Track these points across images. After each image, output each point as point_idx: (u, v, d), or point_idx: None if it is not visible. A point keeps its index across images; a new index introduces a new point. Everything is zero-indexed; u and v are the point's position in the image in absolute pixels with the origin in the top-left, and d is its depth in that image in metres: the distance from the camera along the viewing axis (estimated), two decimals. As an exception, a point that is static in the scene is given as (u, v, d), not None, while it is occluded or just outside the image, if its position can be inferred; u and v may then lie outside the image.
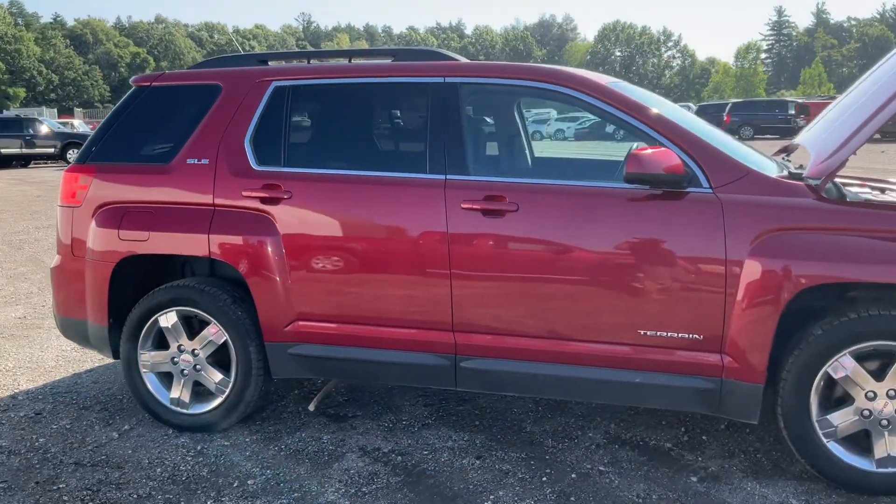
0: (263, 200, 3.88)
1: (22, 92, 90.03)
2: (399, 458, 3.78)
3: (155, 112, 4.21)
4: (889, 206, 3.34)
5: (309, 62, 4.25)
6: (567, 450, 3.83)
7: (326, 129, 4.06)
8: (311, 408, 4.28)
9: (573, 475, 3.57)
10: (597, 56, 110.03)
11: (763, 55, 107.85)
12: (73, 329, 4.32)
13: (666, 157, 3.34)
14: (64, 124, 33.94)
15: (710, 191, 3.41)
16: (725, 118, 33.82)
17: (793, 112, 34.05)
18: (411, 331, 3.77)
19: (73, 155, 27.75)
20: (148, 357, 4.13)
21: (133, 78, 4.36)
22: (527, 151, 4.21)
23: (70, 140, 28.11)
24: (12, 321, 6.36)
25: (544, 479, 3.54)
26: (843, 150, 3.37)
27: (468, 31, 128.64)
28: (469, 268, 3.63)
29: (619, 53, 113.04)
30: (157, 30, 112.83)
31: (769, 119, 34.57)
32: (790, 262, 3.26)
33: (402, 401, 4.47)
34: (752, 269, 3.30)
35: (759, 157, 3.92)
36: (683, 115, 3.92)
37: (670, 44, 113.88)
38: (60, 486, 3.55)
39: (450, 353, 3.73)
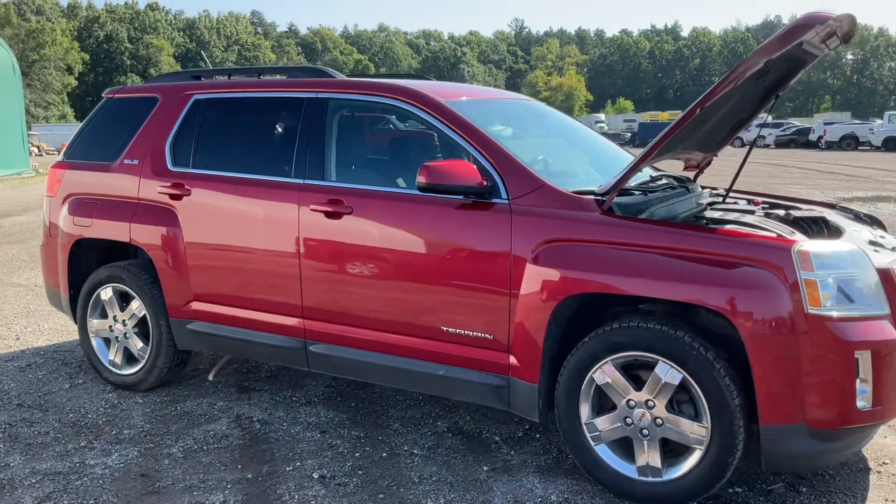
0: (171, 196, 4.55)
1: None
2: (258, 426, 4.31)
3: (114, 119, 5.02)
4: (675, 224, 3.41)
5: (230, 78, 4.87)
6: (402, 434, 4.17)
7: (226, 135, 4.65)
8: (210, 377, 4.93)
9: (384, 454, 3.93)
10: (825, 59, 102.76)
11: None
12: (52, 297, 5.24)
13: (459, 168, 3.61)
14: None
15: (506, 201, 3.64)
16: None
17: None
18: (273, 315, 4.29)
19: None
20: (94, 324, 4.94)
21: (105, 91, 5.20)
22: (377, 160, 4.55)
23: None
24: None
25: (357, 454, 3.93)
26: (626, 169, 3.49)
27: (684, 32, 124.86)
28: (314, 263, 4.09)
29: (850, 56, 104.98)
30: (380, 38, 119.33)
31: None
32: (560, 270, 3.45)
33: (310, 381, 4.98)
34: (529, 276, 3.52)
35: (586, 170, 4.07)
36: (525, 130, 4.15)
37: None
38: (4, 417, 4.41)
39: (301, 337, 4.20)
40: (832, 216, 4.23)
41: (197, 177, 4.51)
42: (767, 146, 46.89)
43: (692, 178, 4.74)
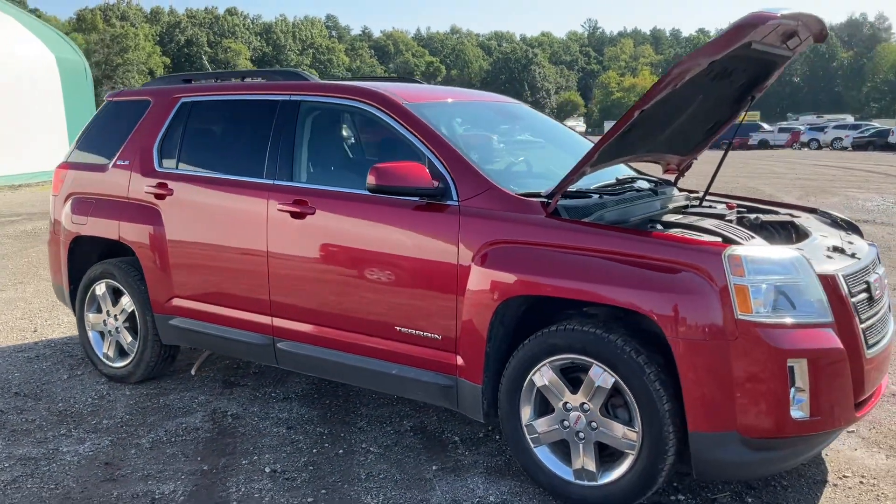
0: (156, 196, 4.71)
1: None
2: (230, 420, 4.43)
3: (111, 121, 5.22)
4: (613, 227, 3.38)
5: (217, 81, 5.01)
6: (365, 432, 4.24)
7: (208, 137, 4.79)
8: (193, 372, 5.08)
9: (340, 451, 4.00)
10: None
11: None
12: (57, 291, 5.48)
13: (409, 170, 3.65)
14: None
15: (456, 203, 3.67)
16: None
17: None
18: (245, 312, 4.41)
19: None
20: (90, 318, 5.15)
21: (106, 94, 5.41)
22: (342, 161, 4.60)
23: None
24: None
25: (314, 450, 4.01)
26: (571, 173, 3.48)
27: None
28: (280, 262, 4.19)
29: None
30: (452, 40, 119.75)
31: None
32: (500, 272, 3.46)
33: (293, 378, 5.09)
34: (473, 277, 3.54)
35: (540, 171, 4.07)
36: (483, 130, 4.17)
37: None
38: (-7, 407, 4.66)
39: (270, 334, 4.31)
40: (805, 221, 4.12)
41: (179, 177, 4.66)
42: (845, 148, 45.39)
43: (673, 180, 4.67)
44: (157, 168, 4.78)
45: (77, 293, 5.20)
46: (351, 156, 4.37)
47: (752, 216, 4.07)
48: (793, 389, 3.06)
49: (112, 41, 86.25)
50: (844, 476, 3.68)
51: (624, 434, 3.26)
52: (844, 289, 3.22)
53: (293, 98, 4.36)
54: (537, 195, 3.60)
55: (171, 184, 4.67)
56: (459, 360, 3.65)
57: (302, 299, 4.16)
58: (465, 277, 3.57)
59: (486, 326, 3.52)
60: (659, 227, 3.61)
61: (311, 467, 3.82)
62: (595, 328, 3.29)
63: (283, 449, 4.03)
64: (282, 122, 4.33)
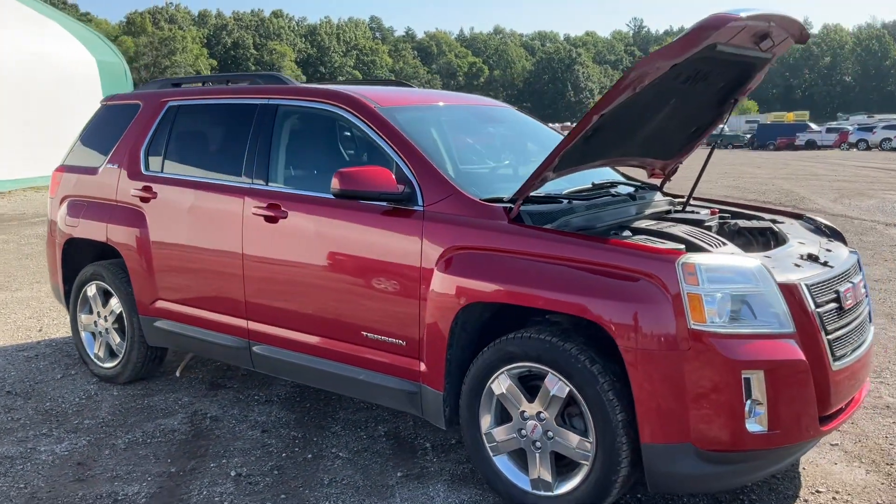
0: (141, 199, 4.76)
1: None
2: (208, 422, 4.46)
3: (104, 125, 5.29)
4: (572, 234, 3.32)
5: (204, 85, 5.04)
6: (338, 436, 4.23)
7: (192, 140, 4.82)
8: (178, 374, 5.11)
9: (310, 455, 4.00)
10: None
11: None
12: (54, 290, 5.58)
13: (373, 174, 3.62)
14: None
15: (421, 208, 3.64)
16: None
17: None
18: (223, 316, 4.43)
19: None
20: (83, 318, 5.23)
21: (101, 98, 5.48)
22: (315, 165, 4.57)
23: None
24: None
25: (284, 454, 4.01)
26: (530, 178, 3.43)
27: (815, 29, 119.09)
28: (254, 266, 4.20)
29: None
30: (495, 40, 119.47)
31: None
32: (460, 278, 3.43)
33: (279, 381, 5.10)
34: (434, 283, 3.50)
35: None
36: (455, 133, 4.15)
37: None
38: (-18, 405, 4.76)
39: (246, 338, 4.32)
40: (786, 227, 4.01)
41: (163, 180, 4.71)
42: (894, 149, 44.27)
43: (659, 185, 4.58)
44: (144, 171, 4.83)
45: (71, 294, 5.28)
46: (324, 160, 4.36)
47: (731, 222, 3.97)
48: (749, 402, 2.97)
49: (160, 44, 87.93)
50: (818, 491, 3.57)
51: (578, 444, 3.20)
52: (808, 299, 3.11)
53: (271, 102, 4.37)
54: (500, 200, 3.55)
55: (155, 186, 4.71)
56: (423, 367, 3.62)
57: (274, 303, 4.17)
58: (428, 283, 3.54)
59: (447, 333, 3.48)
60: (627, 233, 3.54)
61: (276, 472, 3.82)
62: (550, 336, 3.23)
63: (254, 452, 4.04)
64: (259, 125, 4.34)
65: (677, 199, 4.44)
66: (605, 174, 4.55)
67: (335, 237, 3.89)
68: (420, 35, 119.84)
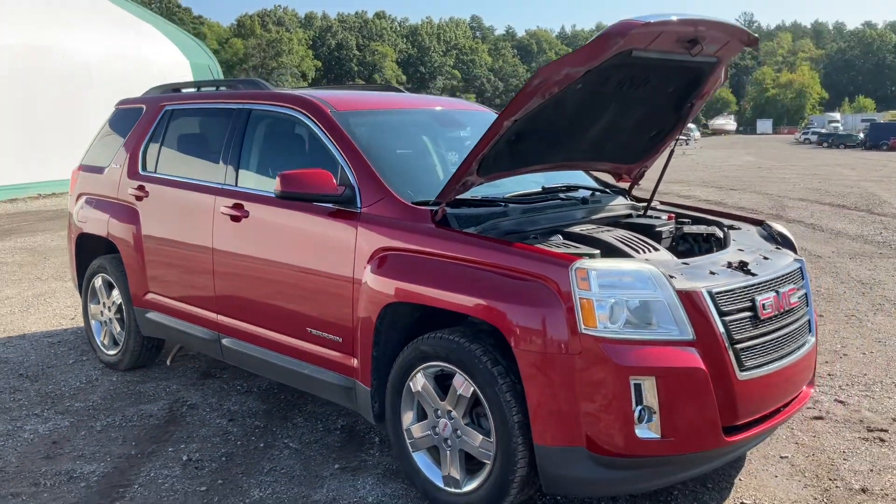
0: (136, 197, 5.07)
1: (472, 98, 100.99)
2: (185, 409, 4.71)
3: (115, 127, 5.63)
4: (481, 237, 3.37)
5: (199, 90, 5.30)
6: (298, 427, 4.40)
7: (180, 142, 5.08)
8: (168, 362, 5.39)
9: (262, 444, 4.18)
10: None
11: None
12: (73, 282, 5.97)
13: (313, 177, 3.76)
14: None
15: (358, 210, 3.77)
16: None
17: None
18: (198, 309, 4.67)
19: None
20: (92, 308, 5.59)
21: (116, 102, 5.83)
22: (276, 167, 4.69)
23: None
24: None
25: (239, 442, 4.21)
26: (448, 183, 3.51)
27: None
28: (222, 262, 4.42)
29: None
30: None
31: None
32: (382, 278, 3.54)
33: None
34: (364, 283, 3.63)
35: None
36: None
37: None
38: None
39: (216, 330, 4.55)
40: (737, 233, 3.95)
41: (155, 179, 5.00)
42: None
43: (627, 188, 4.56)
44: (140, 171, 5.13)
45: (82, 285, 5.65)
46: (284, 162, 4.52)
47: (676, 228, 3.94)
48: (640, 408, 2.97)
49: (268, 46, 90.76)
50: (742, 502, 3.50)
51: (482, 443, 3.26)
52: (710, 306, 3.08)
53: (245, 106, 4.58)
54: (426, 203, 3.64)
55: (147, 186, 5.01)
56: (355, 363, 3.75)
57: (237, 298, 4.38)
58: (357, 284, 3.66)
59: (372, 331, 3.60)
60: (557, 237, 3.57)
61: (224, 458, 4.02)
62: (459, 337, 3.30)
63: (213, 439, 4.25)
64: (233, 128, 4.56)
65: (640, 204, 4.41)
66: (573, 178, 4.56)
67: (285, 236, 4.06)
68: (520, 33, 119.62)
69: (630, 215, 4.24)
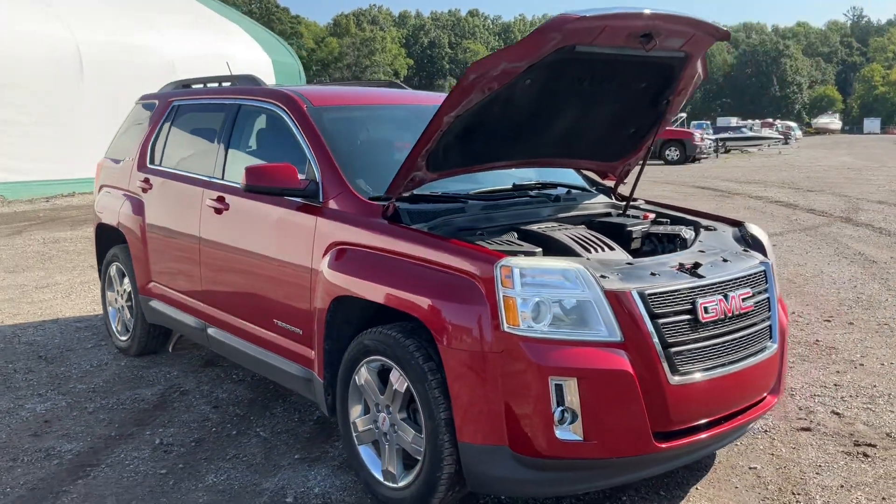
0: (142, 189, 5.26)
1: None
2: (176, 395, 4.86)
3: (133, 122, 5.85)
4: (422, 233, 3.36)
5: (205, 86, 5.45)
6: (275, 417, 4.48)
7: (182, 136, 5.23)
8: (169, 349, 5.56)
9: (234, 432, 4.28)
10: None
11: None
12: (97, 271, 6.24)
13: (278, 171, 3.83)
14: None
15: (320, 204, 3.82)
16: None
17: None
18: (189, 299, 4.82)
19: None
20: (109, 296, 5.83)
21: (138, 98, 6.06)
22: (257, 160, 4.74)
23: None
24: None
25: (214, 429, 4.32)
26: (396, 178, 3.52)
27: None
28: (207, 253, 4.55)
29: None
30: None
31: None
32: (332, 272, 3.58)
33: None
34: (320, 275, 3.67)
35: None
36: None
37: None
38: (18, 365, 5.42)
39: (203, 319, 4.69)
40: (705, 235, 3.82)
41: (157, 172, 5.18)
42: None
43: (613, 187, 4.46)
44: (148, 164, 5.32)
45: (101, 273, 5.90)
46: (264, 156, 4.60)
47: (640, 228, 3.84)
48: (561, 409, 2.92)
49: (362, 44, 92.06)
50: (692, 514, 3.39)
51: (414, 439, 3.26)
52: (640, 308, 2.99)
53: (236, 102, 4.69)
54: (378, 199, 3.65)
55: (151, 178, 5.19)
56: (313, 355, 3.80)
57: (218, 289, 4.51)
58: (315, 276, 3.71)
59: (323, 324, 3.64)
60: (512, 234, 3.54)
61: (194, 443, 4.14)
62: (396, 332, 3.30)
63: (191, 425, 4.38)
64: (224, 123, 4.68)
65: (619, 202, 4.31)
66: (563, 176, 4.51)
67: (257, 228, 4.15)
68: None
69: (609, 214, 4.16)
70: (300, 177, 3.81)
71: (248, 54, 23.87)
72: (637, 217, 4.10)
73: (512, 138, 3.73)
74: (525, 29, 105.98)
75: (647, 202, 4.42)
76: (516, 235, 3.57)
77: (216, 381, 5.09)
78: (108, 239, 5.85)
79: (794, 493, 3.53)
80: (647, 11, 3.20)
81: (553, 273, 3.00)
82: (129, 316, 5.58)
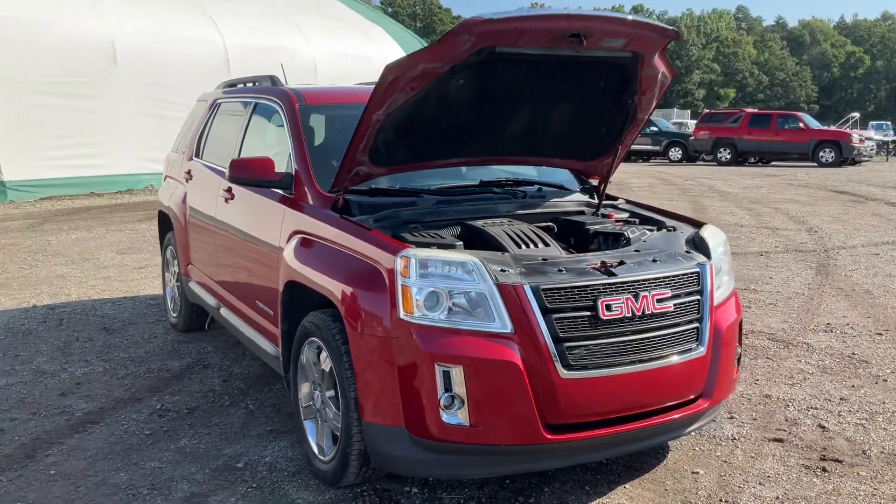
0: (186, 179, 5.76)
1: (732, 92, 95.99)
2: (199, 368, 5.29)
3: (191, 117, 6.39)
4: (351, 222, 3.57)
5: (245, 86, 5.86)
6: (273, 393, 4.79)
7: (216, 132, 5.66)
8: (206, 327, 6.01)
9: (228, 403, 4.64)
10: None
11: None
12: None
13: (256, 164, 4.15)
14: (678, 125, 36.70)
15: (292, 195, 4.12)
16: None
17: None
18: (210, 280, 5.25)
19: (675, 153, 30.23)
20: (166, 276, 6.42)
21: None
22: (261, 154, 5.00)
23: (673, 139, 30.62)
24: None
25: (213, 400, 4.70)
26: (339, 170, 3.74)
27: None
28: (219, 238, 4.97)
29: None
30: (881, 27, 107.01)
31: None
32: (288, 257, 3.87)
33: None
34: (282, 260, 3.97)
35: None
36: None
37: None
38: (81, 334, 6.08)
39: (217, 300, 5.11)
40: (654, 234, 3.82)
41: (197, 164, 5.66)
42: None
43: (597, 186, 4.49)
44: (193, 156, 5.82)
45: (162, 255, 6.50)
46: (265, 149, 4.93)
47: (589, 227, 3.87)
48: (449, 395, 3.05)
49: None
50: (602, 509, 3.42)
51: (334, 416, 3.49)
52: (531, 302, 3.07)
53: (254, 100, 5.07)
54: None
55: (192, 169, 5.68)
56: (278, 334, 4.10)
57: (226, 272, 4.90)
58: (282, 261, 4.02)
59: (279, 306, 3.94)
60: (455, 228, 3.71)
61: (187, 411, 4.53)
62: (326, 315, 3.53)
63: (194, 394, 4.79)
64: (244, 119, 5.08)
65: (592, 202, 4.34)
66: (554, 175, 4.59)
67: (248, 217, 4.51)
68: (792, 24, 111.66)
69: (581, 212, 4.20)
70: (277, 170, 4.11)
71: (387, 54, 24.66)
72: (604, 217, 4.13)
73: (462, 136, 3.86)
74: (692, 23, 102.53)
75: (628, 202, 4.42)
76: (459, 230, 3.71)
77: (238, 358, 5.49)
78: (166, 224, 6.42)
79: (721, 502, 3.47)
80: (563, 12, 3.26)
81: (451, 265, 3.13)
82: (177, 295, 6.12)
